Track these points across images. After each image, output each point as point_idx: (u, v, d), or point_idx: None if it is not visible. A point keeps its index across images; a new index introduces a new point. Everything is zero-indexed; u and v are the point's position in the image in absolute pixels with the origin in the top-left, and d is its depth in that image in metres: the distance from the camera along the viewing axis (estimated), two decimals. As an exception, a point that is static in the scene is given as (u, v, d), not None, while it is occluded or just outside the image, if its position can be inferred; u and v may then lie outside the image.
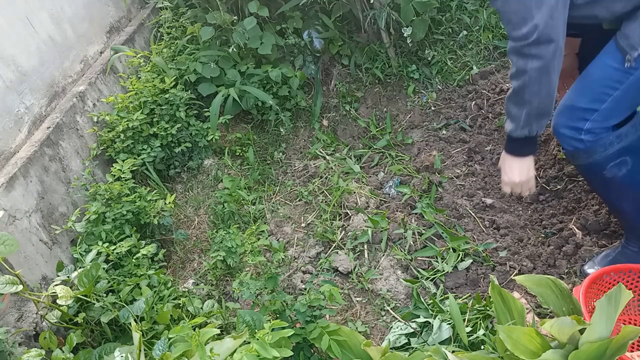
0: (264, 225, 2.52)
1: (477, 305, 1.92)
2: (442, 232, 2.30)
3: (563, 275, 2.07)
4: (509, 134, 1.65)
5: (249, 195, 2.69)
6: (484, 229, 2.32)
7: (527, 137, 1.65)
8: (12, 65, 2.36)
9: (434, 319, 1.88)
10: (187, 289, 2.25)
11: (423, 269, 2.21)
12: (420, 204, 2.47)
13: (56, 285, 1.89)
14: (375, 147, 2.91)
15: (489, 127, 2.81)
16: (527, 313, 1.88)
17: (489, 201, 2.44)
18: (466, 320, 1.87)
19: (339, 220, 2.54)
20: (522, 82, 1.53)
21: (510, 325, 1.44)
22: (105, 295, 1.99)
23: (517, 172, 1.70)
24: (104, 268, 2.06)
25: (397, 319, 2.08)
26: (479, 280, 2.13)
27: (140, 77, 2.94)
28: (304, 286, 2.25)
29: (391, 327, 1.95)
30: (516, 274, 2.10)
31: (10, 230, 2.05)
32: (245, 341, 1.52)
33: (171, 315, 1.96)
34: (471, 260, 2.18)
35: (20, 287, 1.73)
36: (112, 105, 2.79)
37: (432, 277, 2.16)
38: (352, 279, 2.26)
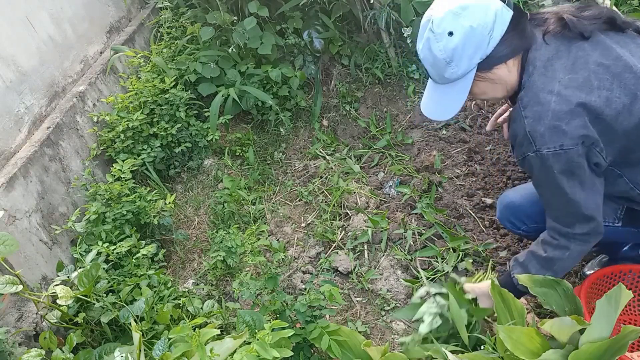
0: (264, 225, 2.52)
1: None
2: (442, 232, 2.30)
3: (563, 276, 2.07)
4: (516, 284, 1.59)
5: (249, 195, 2.69)
6: (484, 229, 2.32)
7: (522, 292, 1.63)
8: (12, 65, 2.36)
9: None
10: (187, 289, 2.24)
11: (423, 269, 2.21)
12: (420, 204, 2.47)
13: (56, 285, 1.89)
14: (375, 147, 2.90)
15: (489, 127, 2.81)
16: (527, 313, 1.88)
17: (489, 201, 2.44)
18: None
19: (339, 220, 2.54)
20: (559, 256, 1.56)
21: (510, 325, 1.44)
22: (105, 295, 1.99)
23: (488, 302, 1.70)
24: (104, 268, 2.06)
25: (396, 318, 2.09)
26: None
27: (140, 77, 2.94)
28: (304, 286, 2.25)
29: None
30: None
31: (10, 230, 2.05)
32: (245, 341, 1.52)
33: (171, 316, 1.96)
34: (471, 260, 2.18)
35: (20, 287, 1.73)
36: (112, 105, 2.79)
37: (432, 277, 2.16)
38: (352, 279, 2.26)
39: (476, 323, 1.72)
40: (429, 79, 1.58)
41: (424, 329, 1.72)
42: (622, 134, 1.40)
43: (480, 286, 1.74)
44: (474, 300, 1.74)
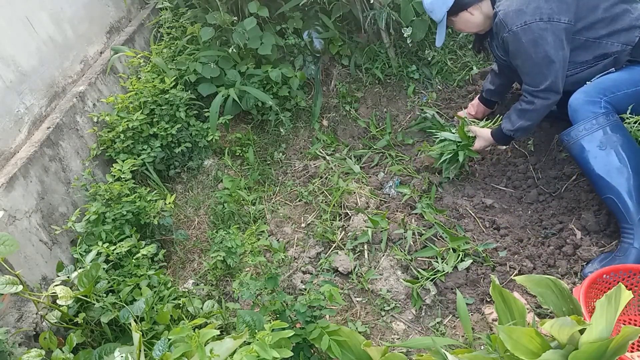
0: (264, 225, 2.52)
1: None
2: (442, 233, 2.30)
3: (563, 276, 2.07)
4: (502, 127, 2.35)
5: (249, 196, 2.69)
6: (484, 229, 2.33)
7: (508, 136, 2.35)
8: (12, 65, 2.36)
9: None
10: (187, 289, 2.25)
11: (423, 269, 2.21)
12: (420, 204, 2.47)
13: (56, 285, 1.89)
14: (375, 147, 2.91)
15: (489, 128, 2.82)
16: (527, 313, 1.88)
17: (489, 201, 2.44)
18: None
19: (339, 220, 2.54)
20: (528, 108, 2.24)
21: (510, 325, 1.45)
22: (105, 295, 1.99)
23: (482, 148, 2.49)
24: (104, 268, 2.06)
25: (396, 318, 2.09)
26: (479, 280, 2.13)
27: (140, 78, 2.94)
28: (304, 286, 2.25)
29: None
30: (516, 274, 2.11)
31: (10, 231, 2.05)
32: (245, 341, 1.52)
33: (171, 316, 1.96)
34: (471, 261, 2.18)
35: (20, 287, 1.73)
36: (112, 105, 2.79)
37: (432, 277, 2.16)
38: (352, 279, 2.26)
39: (465, 158, 2.49)
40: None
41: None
42: (571, 2, 2.08)
43: (480, 130, 2.47)
44: (473, 138, 2.49)
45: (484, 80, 2.77)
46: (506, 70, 2.49)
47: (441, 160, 2.55)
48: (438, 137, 2.61)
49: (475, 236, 2.29)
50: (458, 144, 2.51)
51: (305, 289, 2.19)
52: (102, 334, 2.03)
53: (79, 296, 1.88)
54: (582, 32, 2.12)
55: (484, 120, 2.62)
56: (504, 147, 2.63)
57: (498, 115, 2.57)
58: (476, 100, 2.78)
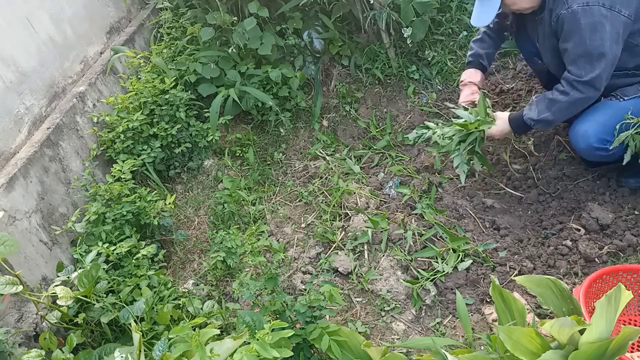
0: (264, 225, 2.52)
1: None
2: (442, 233, 2.30)
3: (563, 276, 2.07)
4: (524, 114, 2.18)
5: (249, 196, 2.69)
6: (484, 230, 2.32)
7: (528, 125, 2.19)
8: (12, 65, 2.36)
9: None
10: (187, 290, 2.24)
11: (423, 270, 2.21)
12: (420, 204, 2.47)
13: (56, 285, 1.90)
14: (375, 147, 2.91)
15: (489, 128, 2.81)
16: (527, 313, 1.88)
17: (489, 202, 2.44)
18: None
19: (339, 220, 2.54)
20: (560, 99, 2.06)
21: (510, 325, 1.45)
22: (105, 295, 1.99)
23: (500, 133, 2.29)
24: (103, 268, 2.06)
25: (396, 318, 2.09)
26: (479, 280, 2.13)
27: (140, 78, 2.94)
28: (304, 287, 2.25)
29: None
30: (516, 275, 2.11)
31: (10, 231, 2.04)
32: (245, 341, 1.52)
33: (171, 316, 1.96)
34: (471, 261, 2.18)
35: (20, 287, 1.73)
36: (112, 105, 2.79)
37: (432, 277, 2.16)
38: (352, 279, 2.26)
39: (480, 144, 2.29)
40: None
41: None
42: None
43: (497, 113, 2.31)
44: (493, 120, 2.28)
45: (472, 44, 2.54)
46: (539, 62, 2.33)
47: (453, 148, 2.31)
48: (442, 128, 2.36)
49: (475, 236, 2.29)
50: (474, 125, 2.25)
51: (305, 289, 2.19)
52: (102, 335, 2.03)
53: (79, 296, 1.88)
54: (635, 35, 1.99)
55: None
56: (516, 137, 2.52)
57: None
58: (473, 71, 2.50)
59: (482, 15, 2.13)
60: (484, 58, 2.49)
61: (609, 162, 2.24)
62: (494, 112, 2.34)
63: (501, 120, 2.26)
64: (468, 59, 2.54)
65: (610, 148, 2.05)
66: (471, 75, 2.48)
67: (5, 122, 2.27)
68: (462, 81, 2.50)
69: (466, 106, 2.40)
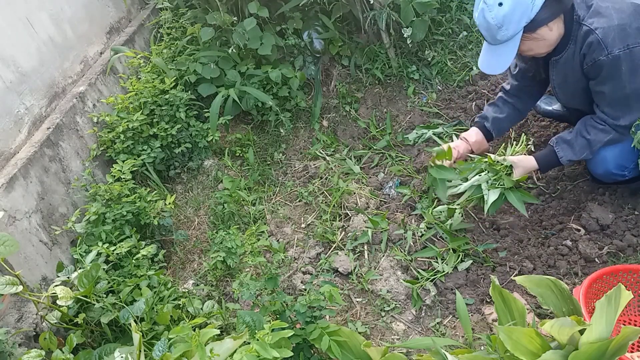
0: (263, 225, 2.52)
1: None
2: (442, 233, 2.30)
3: (563, 276, 2.07)
4: (560, 156, 2.08)
5: (248, 196, 2.69)
6: (484, 230, 2.32)
7: (560, 165, 2.13)
8: (12, 65, 2.36)
9: None
10: (187, 290, 2.24)
11: (423, 270, 2.21)
12: (420, 204, 2.47)
13: (56, 285, 1.89)
14: (375, 147, 2.91)
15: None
16: (527, 313, 1.88)
17: (489, 202, 2.44)
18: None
19: (339, 220, 2.54)
20: (601, 139, 1.98)
21: (510, 325, 1.45)
22: (105, 295, 1.99)
23: (522, 175, 2.13)
24: (103, 269, 2.06)
25: (396, 319, 2.09)
26: (479, 280, 2.13)
27: (140, 78, 2.94)
28: (304, 287, 2.25)
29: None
30: (516, 275, 2.11)
31: (10, 231, 2.05)
32: (245, 342, 1.52)
33: (171, 316, 1.96)
34: (471, 261, 2.18)
35: (20, 287, 1.73)
36: (112, 105, 2.79)
37: (432, 277, 2.16)
38: (352, 279, 2.26)
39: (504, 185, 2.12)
40: (484, 41, 1.96)
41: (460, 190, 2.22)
42: None
43: (520, 158, 2.14)
44: (510, 167, 2.13)
45: (486, 106, 2.40)
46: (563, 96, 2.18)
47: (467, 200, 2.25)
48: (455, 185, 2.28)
49: (475, 236, 2.29)
50: (500, 185, 2.13)
51: (305, 290, 2.19)
52: (102, 335, 2.03)
53: (79, 297, 1.88)
54: None
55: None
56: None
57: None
58: (474, 131, 2.36)
59: (493, 63, 1.96)
60: (488, 121, 2.36)
61: (622, 183, 2.22)
62: (503, 155, 2.21)
63: (520, 168, 2.12)
64: (474, 119, 2.46)
65: (628, 175, 2.05)
66: (468, 134, 2.38)
67: (5, 122, 2.27)
68: (456, 148, 2.34)
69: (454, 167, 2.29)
